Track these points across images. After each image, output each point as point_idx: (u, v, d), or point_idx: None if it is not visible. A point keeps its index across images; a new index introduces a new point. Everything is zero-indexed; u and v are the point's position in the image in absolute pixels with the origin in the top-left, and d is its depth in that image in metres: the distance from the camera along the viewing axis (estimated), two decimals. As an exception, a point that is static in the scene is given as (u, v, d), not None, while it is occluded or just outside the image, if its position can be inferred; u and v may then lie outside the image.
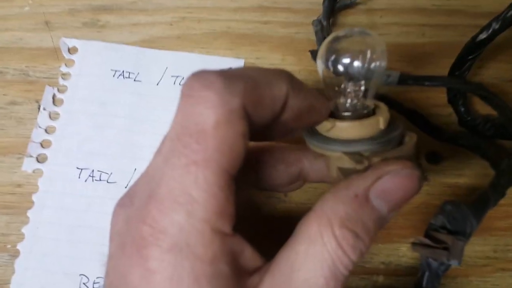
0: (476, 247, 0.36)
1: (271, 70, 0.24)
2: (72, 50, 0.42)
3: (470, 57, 0.36)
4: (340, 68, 0.26)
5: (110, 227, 0.25)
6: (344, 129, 0.26)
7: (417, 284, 0.34)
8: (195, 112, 0.21)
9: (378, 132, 0.26)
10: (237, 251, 0.23)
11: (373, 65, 0.26)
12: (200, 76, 0.22)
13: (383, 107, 0.27)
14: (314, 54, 0.41)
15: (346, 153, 0.25)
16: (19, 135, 0.40)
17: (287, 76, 0.24)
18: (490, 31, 0.34)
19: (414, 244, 0.32)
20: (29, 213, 0.37)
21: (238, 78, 0.22)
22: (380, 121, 0.26)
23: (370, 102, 0.27)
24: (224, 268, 0.22)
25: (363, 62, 0.26)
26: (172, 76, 0.41)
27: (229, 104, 0.21)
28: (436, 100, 0.40)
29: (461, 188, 0.38)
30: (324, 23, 0.41)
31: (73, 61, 0.42)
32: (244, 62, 0.42)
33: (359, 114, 0.27)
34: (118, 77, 0.41)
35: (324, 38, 0.41)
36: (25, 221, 0.37)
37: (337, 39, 0.27)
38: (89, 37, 0.43)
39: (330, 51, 0.27)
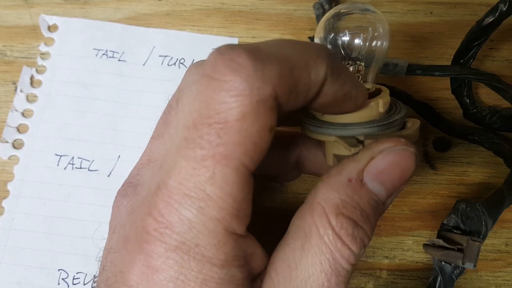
0: (486, 241, 0.35)
1: (309, 47, 0.22)
2: (52, 28, 0.41)
3: (475, 43, 0.34)
4: (339, 46, 0.25)
5: (111, 219, 0.24)
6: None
7: (429, 288, 0.33)
8: (218, 99, 0.19)
9: (377, 115, 0.24)
10: (249, 253, 0.21)
11: (374, 44, 0.25)
12: (227, 54, 0.19)
13: (384, 90, 0.25)
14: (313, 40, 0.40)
15: (341, 137, 0.24)
16: (-6, 118, 0.39)
17: (327, 56, 0.21)
18: (497, 14, 0.32)
19: (426, 245, 0.32)
20: (4, 203, 0.36)
21: (272, 61, 0.20)
22: (380, 103, 0.24)
23: (370, 85, 0.26)
24: (236, 272, 0.20)
25: (363, 41, 0.25)
26: (160, 56, 0.40)
27: (260, 93, 0.19)
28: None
29: (470, 176, 0.37)
30: (326, 6, 0.40)
31: (53, 39, 0.40)
32: (239, 41, 0.41)
33: None
34: (101, 57, 0.39)
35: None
36: (0, 212, 0.36)
37: (337, 15, 0.26)
38: (71, 14, 0.41)
39: (329, 28, 0.26)
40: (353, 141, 0.23)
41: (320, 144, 0.27)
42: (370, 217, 0.22)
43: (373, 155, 0.22)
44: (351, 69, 0.26)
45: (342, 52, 0.26)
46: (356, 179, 0.22)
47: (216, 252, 0.20)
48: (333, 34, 0.26)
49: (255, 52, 0.19)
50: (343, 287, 0.21)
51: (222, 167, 0.19)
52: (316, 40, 0.27)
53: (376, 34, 0.25)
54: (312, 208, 0.22)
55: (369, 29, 0.25)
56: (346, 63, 0.26)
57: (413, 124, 0.25)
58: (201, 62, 0.24)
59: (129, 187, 0.24)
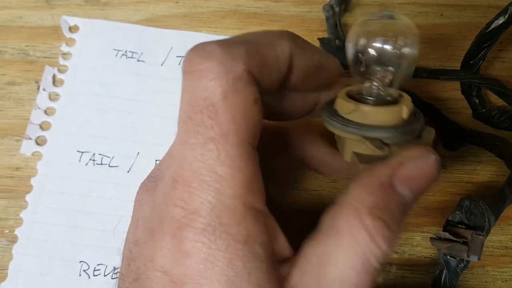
0: (493, 237, 0.37)
1: (272, 32, 0.25)
2: (73, 29, 0.44)
3: (485, 45, 0.36)
4: (371, 52, 0.27)
5: (134, 213, 0.26)
6: (368, 113, 0.26)
7: (435, 282, 0.35)
8: (200, 87, 0.22)
9: (400, 121, 0.26)
10: (271, 233, 0.23)
11: (404, 51, 0.27)
12: (198, 48, 0.23)
13: (406, 97, 0.27)
14: (323, 42, 0.42)
15: (367, 138, 0.26)
16: (18, 117, 0.41)
17: (289, 35, 0.25)
18: (507, 15, 0.34)
19: (432, 239, 0.34)
20: (28, 198, 0.39)
21: (238, 43, 0.23)
22: (404, 110, 0.26)
23: (394, 91, 0.28)
24: (259, 250, 0.22)
25: (394, 48, 0.27)
26: (177, 57, 0.43)
27: (233, 71, 0.22)
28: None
29: (479, 174, 0.39)
30: (336, 9, 0.42)
31: (74, 40, 0.43)
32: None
33: (383, 101, 0.27)
34: (120, 57, 0.42)
35: (336, 24, 0.42)
36: (24, 206, 0.39)
37: (368, 22, 0.28)
38: (91, 15, 0.44)
39: (360, 34, 0.27)
40: (379, 143, 0.26)
41: (334, 141, 0.29)
42: (399, 219, 0.23)
43: (402, 160, 0.24)
44: (379, 74, 0.27)
45: (372, 57, 0.27)
46: (387, 182, 0.24)
47: (238, 228, 0.22)
48: (365, 40, 0.27)
49: (222, 41, 0.23)
50: (371, 285, 0.23)
51: (223, 145, 0.22)
52: (348, 45, 0.28)
53: (407, 42, 0.27)
54: (345, 208, 0.23)
55: (401, 37, 0.27)
56: (375, 69, 0.27)
57: (429, 133, 0.27)
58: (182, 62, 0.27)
59: (150, 182, 0.26)
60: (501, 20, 0.35)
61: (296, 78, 0.25)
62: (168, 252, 0.22)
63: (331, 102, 0.28)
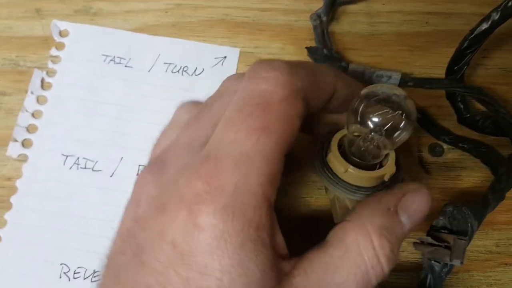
0: (478, 242, 0.37)
1: (322, 65, 0.30)
2: (63, 33, 0.45)
3: (468, 51, 0.37)
4: (369, 124, 0.29)
5: (134, 195, 0.27)
6: (355, 176, 0.29)
7: (420, 286, 0.35)
8: (261, 89, 0.25)
9: (382, 182, 0.30)
10: (274, 227, 0.25)
11: (401, 126, 0.28)
12: (266, 61, 0.26)
13: (391, 157, 0.30)
14: (311, 51, 0.42)
15: (349, 199, 0.30)
16: (8, 127, 0.41)
17: (333, 69, 0.30)
18: (490, 22, 0.35)
19: (416, 243, 0.34)
20: (12, 199, 0.39)
21: (299, 66, 0.26)
22: (386, 176, 0.30)
23: (384, 152, 0.30)
24: (266, 238, 0.23)
25: (391, 124, 0.28)
26: (164, 63, 0.43)
27: (294, 85, 0.25)
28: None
29: (463, 180, 0.39)
30: (324, 18, 0.43)
31: (63, 44, 0.44)
32: (242, 51, 0.44)
33: (369, 164, 0.30)
34: (108, 63, 0.43)
35: (323, 33, 0.43)
36: (8, 207, 0.39)
37: (370, 96, 0.29)
38: (81, 24, 0.45)
39: (362, 108, 0.29)
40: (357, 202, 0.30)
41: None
42: (399, 244, 0.26)
43: (404, 192, 0.28)
44: (373, 139, 0.29)
45: (368, 127, 0.29)
46: (394, 209, 0.27)
47: (254, 213, 0.23)
48: (366, 114, 0.29)
49: (287, 61, 0.26)
50: None
51: (264, 139, 0.24)
52: (348, 115, 0.30)
53: (405, 121, 0.28)
54: (356, 226, 0.26)
55: (400, 116, 0.28)
56: (370, 135, 0.29)
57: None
58: (239, 73, 0.31)
59: (156, 165, 0.27)
60: (484, 27, 0.35)
61: (335, 103, 0.29)
62: (181, 226, 0.23)
63: (324, 142, 0.31)
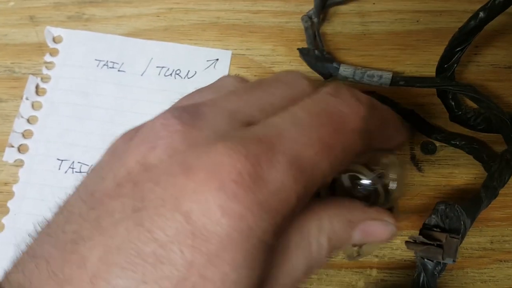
0: (472, 239, 0.37)
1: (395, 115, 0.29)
2: (57, 40, 0.45)
3: (458, 49, 0.37)
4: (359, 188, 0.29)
5: (154, 131, 0.23)
6: None
7: (414, 285, 0.35)
8: (341, 111, 0.24)
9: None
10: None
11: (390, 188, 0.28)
12: (350, 88, 0.25)
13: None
14: (303, 52, 0.43)
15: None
16: (4, 133, 0.42)
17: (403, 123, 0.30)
18: (478, 20, 0.35)
19: (408, 242, 0.34)
20: (9, 204, 0.40)
21: (378, 108, 0.26)
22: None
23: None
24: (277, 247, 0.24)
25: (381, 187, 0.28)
26: (157, 67, 0.44)
27: (368, 125, 0.24)
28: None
29: (456, 178, 0.39)
30: (315, 19, 0.43)
31: (57, 50, 0.45)
32: (234, 53, 0.44)
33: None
34: (101, 67, 0.44)
35: (315, 34, 0.43)
36: (5, 212, 0.40)
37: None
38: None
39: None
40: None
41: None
42: (335, 252, 0.26)
43: (375, 217, 0.27)
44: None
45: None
46: (354, 225, 0.26)
47: (283, 223, 0.22)
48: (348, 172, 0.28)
49: (367, 97, 0.25)
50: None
51: (327, 155, 0.23)
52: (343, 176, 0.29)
53: (395, 186, 0.28)
54: (315, 219, 0.25)
55: (391, 184, 0.28)
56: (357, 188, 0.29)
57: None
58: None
59: (186, 115, 0.24)
60: (472, 25, 0.36)
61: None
62: (204, 200, 0.20)
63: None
